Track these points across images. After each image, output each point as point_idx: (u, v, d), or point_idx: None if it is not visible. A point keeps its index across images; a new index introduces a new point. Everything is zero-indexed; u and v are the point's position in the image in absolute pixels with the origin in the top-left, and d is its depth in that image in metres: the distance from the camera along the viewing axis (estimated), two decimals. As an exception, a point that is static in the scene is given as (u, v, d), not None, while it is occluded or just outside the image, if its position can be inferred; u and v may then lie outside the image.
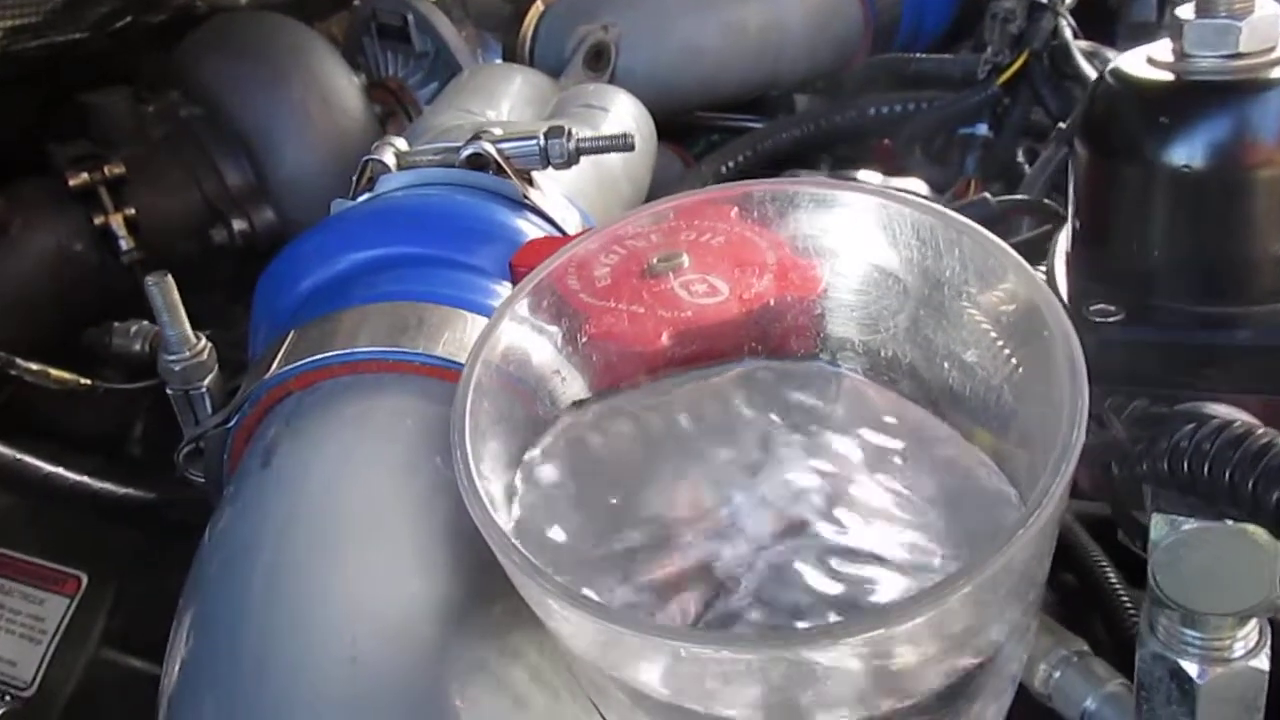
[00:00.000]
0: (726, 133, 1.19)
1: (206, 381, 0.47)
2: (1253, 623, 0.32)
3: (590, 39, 1.06)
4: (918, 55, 1.15)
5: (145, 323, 0.81)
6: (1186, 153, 0.34)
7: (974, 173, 1.06)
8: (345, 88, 0.99)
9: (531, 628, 0.35)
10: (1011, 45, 1.04)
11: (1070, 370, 0.30)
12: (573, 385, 0.40)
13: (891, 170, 0.95)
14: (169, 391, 0.47)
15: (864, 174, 0.84)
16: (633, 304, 0.42)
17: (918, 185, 0.83)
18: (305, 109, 0.96)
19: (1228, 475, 0.29)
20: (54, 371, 0.68)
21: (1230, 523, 0.31)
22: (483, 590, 0.37)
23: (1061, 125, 0.91)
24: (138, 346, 0.79)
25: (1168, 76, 0.36)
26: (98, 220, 0.85)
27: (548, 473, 0.37)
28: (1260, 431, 0.30)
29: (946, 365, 0.38)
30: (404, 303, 0.48)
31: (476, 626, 0.37)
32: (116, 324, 0.81)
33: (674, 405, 0.41)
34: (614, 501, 0.39)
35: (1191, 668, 0.32)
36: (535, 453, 0.38)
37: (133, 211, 0.86)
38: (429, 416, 0.43)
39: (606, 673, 0.30)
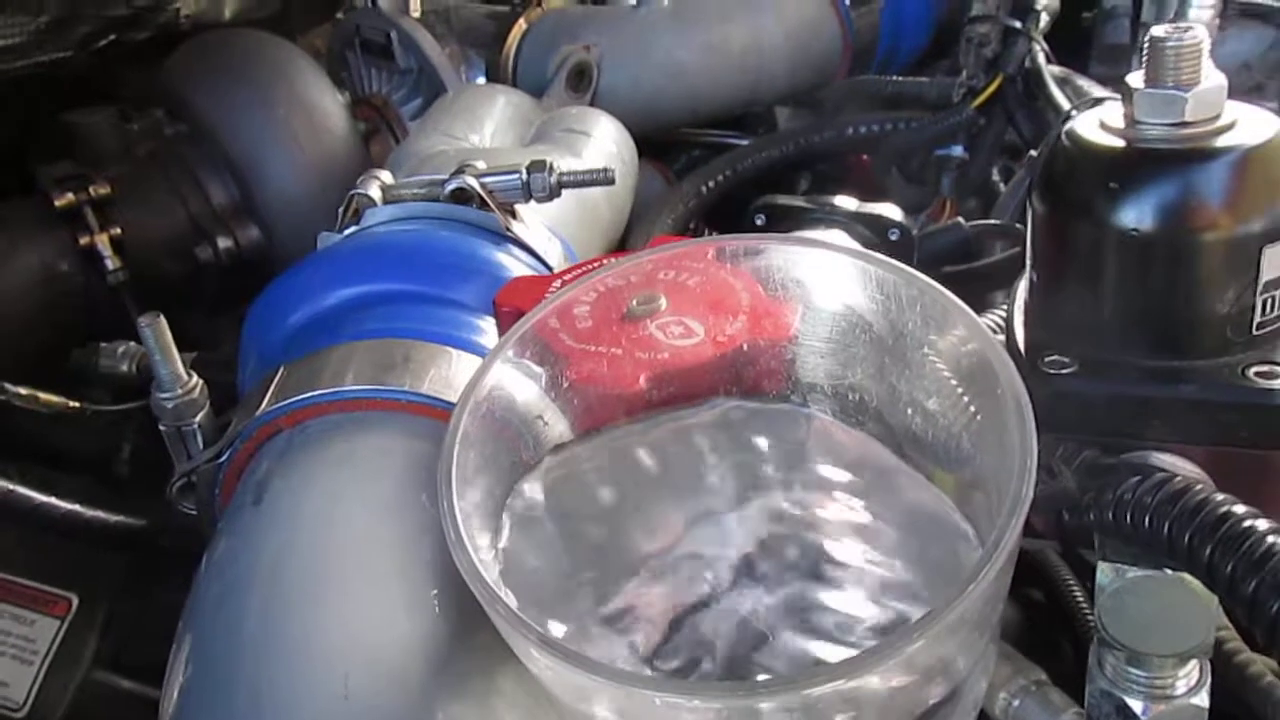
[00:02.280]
0: (708, 149, 1.21)
1: (199, 418, 0.48)
2: (1193, 663, 0.34)
3: (573, 59, 1.07)
4: (894, 77, 1.17)
5: (132, 344, 0.82)
6: (1135, 216, 0.36)
7: (949, 193, 1.09)
8: (329, 105, 0.99)
9: (514, 663, 0.37)
10: (986, 69, 1.07)
11: (1020, 426, 0.32)
12: (556, 428, 0.42)
13: (869, 190, 0.97)
14: (161, 428, 0.48)
15: (840, 199, 0.85)
16: (612, 347, 0.43)
17: (892, 210, 0.85)
18: (290, 127, 0.96)
19: (1167, 529, 0.31)
20: (43, 395, 0.69)
21: (1170, 572, 0.33)
22: (467, 623, 0.39)
23: (1033, 153, 0.93)
24: (125, 367, 0.80)
25: (1118, 142, 0.38)
26: (83, 240, 0.85)
27: (532, 513, 0.39)
28: (1198, 488, 0.32)
29: (910, 411, 0.40)
30: (390, 340, 0.50)
31: (461, 661, 0.38)
32: (104, 345, 0.82)
33: (651, 446, 0.43)
34: (595, 538, 0.40)
35: (1137, 704, 0.34)
36: (520, 495, 0.39)
37: (118, 231, 0.86)
38: (416, 454, 0.44)
39: (585, 714, 0.32)
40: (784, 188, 1.09)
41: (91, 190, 0.86)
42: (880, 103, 1.15)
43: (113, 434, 0.78)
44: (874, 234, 0.83)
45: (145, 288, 0.87)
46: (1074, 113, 0.91)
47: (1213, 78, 0.37)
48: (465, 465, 0.36)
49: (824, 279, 0.42)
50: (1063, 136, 0.39)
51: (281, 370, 0.49)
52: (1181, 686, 0.34)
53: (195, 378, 0.49)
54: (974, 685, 0.37)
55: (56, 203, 0.85)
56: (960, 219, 0.87)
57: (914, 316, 0.38)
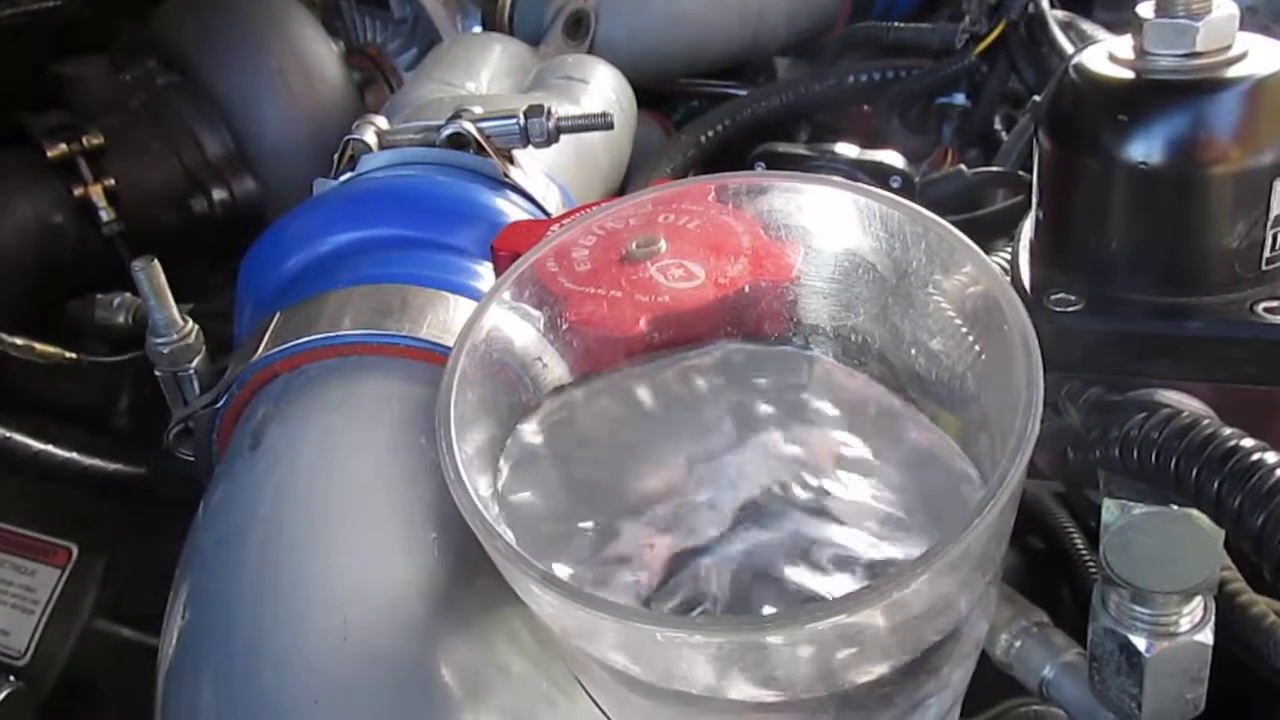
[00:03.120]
0: (707, 99, 1.20)
1: (194, 363, 0.48)
2: (1198, 599, 0.34)
3: (570, 6, 1.05)
4: (896, 24, 1.15)
5: (128, 295, 0.81)
6: (1144, 149, 0.36)
7: (951, 141, 1.07)
8: (324, 55, 0.98)
9: (515, 602, 0.37)
10: (989, 15, 1.05)
11: (1027, 363, 0.32)
12: (555, 370, 0.41)
13: (870, 139, 0.96)
14: (158, 374, 0.48)
15: (841, 146, 0.84)
16: (612, 289, 0.43)
17: (893, 157, 0.84)
18: (284, 77, 0.95)
19: (1173, 464, 0.31)
20: (39, 346, 0.69)
21: (1175, 508, 0.33)
22: (468, 566, 0.39)
23: (1037, 98, 0.92)
24: (121, 319, 0.80)
25: (1127, 74, 0.37)
26: (77, 192, 0.84)
27: (531, 456, 0.39)
28: (1205, 423, 0.31)
29: (913, 351, 0.39)
30: (387, 285, 0.49)
31: (462, 602, 0.38)
32: (99, 296, 0.81)
33: (652, 388, 0.42)
34: (595, 481, 0.40)
35: (1140, 642, 0.34)
36: (519, 438, 0.39)
37: (112, 182, 0.85)
38: (413, 398, 0.44)
39: (587, 651, 0.32)
40: (784, 138, 1.07)
41: (85, 141, 0.85)
42: (881, 50, 1.13)
43: (110, 386, 0.78)
44: (875, 181, 0.82)
45: (140, 239, 0.86)
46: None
47: (1224, 6, 0.36)
48: (463, 405, 0.35)
49: (826, 218, 0.41)
50: (1070, 70, 0.38)
51: (278, 316, 0.49)
52: (1185, 624, 0.34)
53: (190, 323, 0.48)
54: (975, 626, 0.37)
55: (49, 153, 0.84)
56: (962, 166, 0.87)
57: (919, 254, 0.37)
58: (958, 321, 0.37)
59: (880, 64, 1.09)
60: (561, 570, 0.36)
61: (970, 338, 0.37)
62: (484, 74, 0.86)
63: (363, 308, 0.47)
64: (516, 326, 0.40)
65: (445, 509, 0.38)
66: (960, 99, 1.06)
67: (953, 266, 0.36)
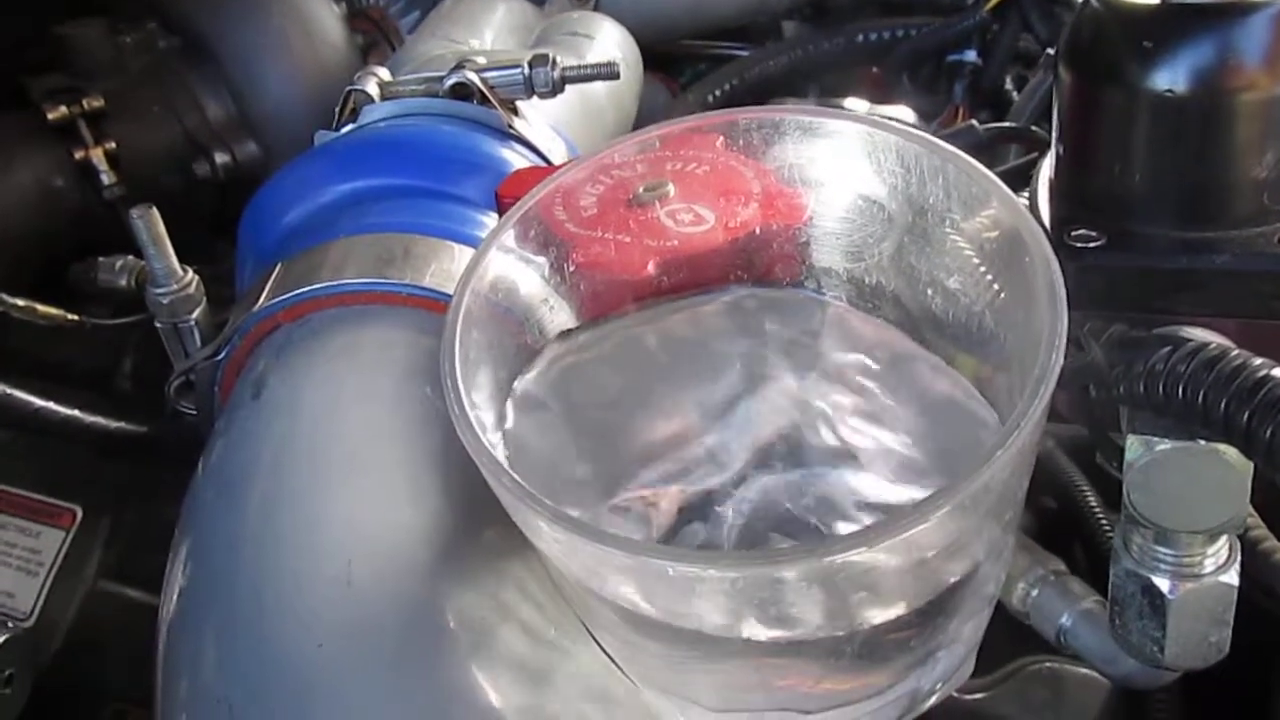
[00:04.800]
0: (714, 61, 1.18)
1: (195, 314, 0.47)
2: (1223, 539, 0.33)
3: (574, -35, 1.04)
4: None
5: (130, 258, 0.80)
6: (1169, 77, 0.34)
7: (962, 100, 1.06)
8: (326, 17, 0.97)
9: (522, 551, 0.36)
10: (1000, -30, 1.03)
11: (1050, 296, 0.31)
12: (561, 314, 0.40)
13: (879, 98, 0.95)
14: (158, 325, 0.47)
15: (850, 102, 0.83)
16: (619, 233, 0.42)
17: (905, 113, 0.83)
18: (286, 39, 0.94)
19: (1201, 397, 0.30)
20: (41, 307, 0.68)
21: (1203, 443, 0.32)
22: (474, 516, 0.38)
23: (1050, 51, 0.90)
24: (124, 282, 0.79)
25: (1151, 0, 0.36)
26: (78, 155, 0.83)
27: (537, 400, 0.38)
28: (1234, 354, 0.30)
29: (930, 291, 0.38)
30: (390, 234, 0.48)
31: (468, 550, 0.37)
32: (102, 259, 0.80)
33: (661, 333, 0.42)
34: (603, 427, 0.39)
35: (1163, 583, 0.33)
36: (525, 381, 0.38)
37: (113, 145, 0.85)
38: (417, 347, 0.43)
39: (595, 592, 0.31)
40: (792, 97, 1.06)
41: (85, 103, 0.84)
42: (891, 8, 1.11)
43: (113, 349, 0.77)
44: (886, 137, 0.81)
45: (142, 203, 0.85)
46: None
47: (1253, -72, 0.35)
48: (468, 346, 0.35)
49: (839, 157, 0.40)
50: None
51: (279, 267, 0.48)
52: (1210, 565, 0.33)
53: (190, 273, 0.47)
54: (991, 574, 0.36)
55: (50, 116, 0.83)
56: (974, 122, 0.85)
57: (936, 190, 0.36)
58: (975, 260, 0.37)
59: (889, 22, 1.07)
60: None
61: (989, 276, 0.36)
62: (488, 32, 0.85)
63: (365, 257, 0.47)
64: (521, 269, 0.40)
65: (451, 456, 0.37)
66: (971, 56, 1.04)
67: (972, 201, 0.35)
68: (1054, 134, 0.40)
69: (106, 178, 0.84)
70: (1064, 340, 0.30)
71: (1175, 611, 0.33)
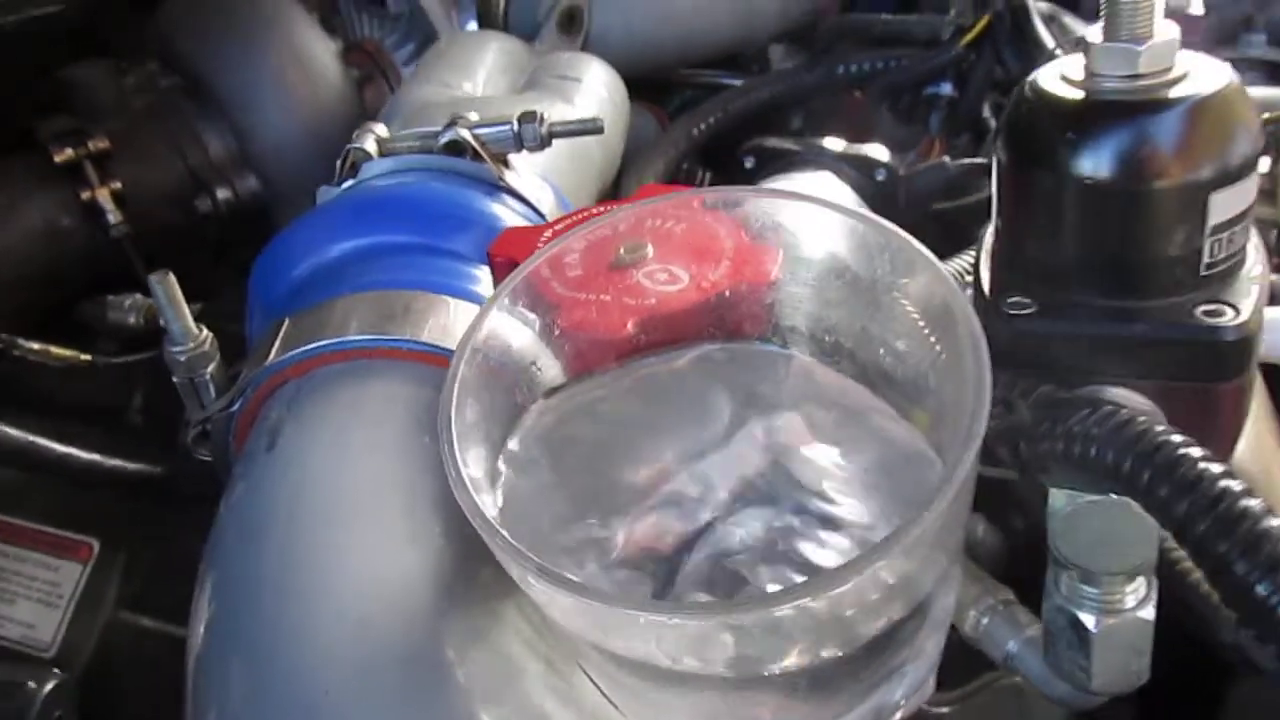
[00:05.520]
0: (702, 89, 1.22)
1: (210, 369, 0.51)
2: (1140, 579, 0.37)
3: (563, 2, 1.07)
4: (883, 15, 1.17)
5: (138, 296, 0.84)
6: (1092, 165, 0.38)
7: (938, 131, 1.10)
8: (322, 54, 1.00)
9: (514, 591, 0.40)
10: (975, 6, 1.07)
11: (976, 364, 0.34)
12: (548, 373, 0.44)
13: (859, 129, 0.99)
14: (175, 380, 0.51)
15: (828, 140, 0.87)
16: (601, 294, 0.46)
17: (879, 150, 0.87)
18: (283, 76, 0.97)
19: (1110, 457, 0.34)
20: (55, 349, 0.71)
21: (1115, 496, 0.36)
22: (471, 558, 0.42)
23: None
24: (132, 319, 0.83)
25: (1077, 94, 0.39)
26: (84, 195, 0.85)
27: (526, 457, 0.42)
28: (1140, 419, 0.34)
29: (881, 351, 0.42)
30: (391, 291, 0.52)
31: (466, 591, 0.41)
32: (111, 298, 0.84)
33: (638, 388, 0.45)
34: (586, 479, 0.43)
35: (1089, 619, 0.37)
36: (515, 439, 0.42)
37: (119, 185, 0.87)
38: (417, 399, 0.47)
39: (585, 639, 0.35)
40: (776, 126, 1.10)
41: (91, 145, 0.87)
42: (870, 41, 1.15)
43: (123, 385, 0.80)
44: (861, 174, 0.85)
45: (147, 240, 0.88)
46: (1058, 52, 0.92)
47: (1166, 30, 0.39)
48: (464, 409, 0.38)
49: (804, 225, 0.44)
50: (1026, 87, 0.41)
51: (288, 322, 0.51)
52: (1130, 601, 0.37)
53: (205, 331, 0.51)
54: (941, 601, 0.40)
55: (56, 158, 0.85)
56: (946, 158, 0.89)
57: (883, 262, 0.40)
58: (920, 323, 0.40)
59: (869, 54, 1.11)
60: (570, 569, 0.39)
61: (932, 338, 0.40)
62: (480, 74, 0.88)
63: (368, 313, 0.50)
64: (513, 331, 0.43)
65: (450, 504, 0.41)
66: (947, 89, 1.08)
67: (914, 273, 0.39)
68: (994, 207, 0.44)
69: (113, 217, 0.87)
70: (988, 403, 0.34)
71: (1099, 644, 0.37)
